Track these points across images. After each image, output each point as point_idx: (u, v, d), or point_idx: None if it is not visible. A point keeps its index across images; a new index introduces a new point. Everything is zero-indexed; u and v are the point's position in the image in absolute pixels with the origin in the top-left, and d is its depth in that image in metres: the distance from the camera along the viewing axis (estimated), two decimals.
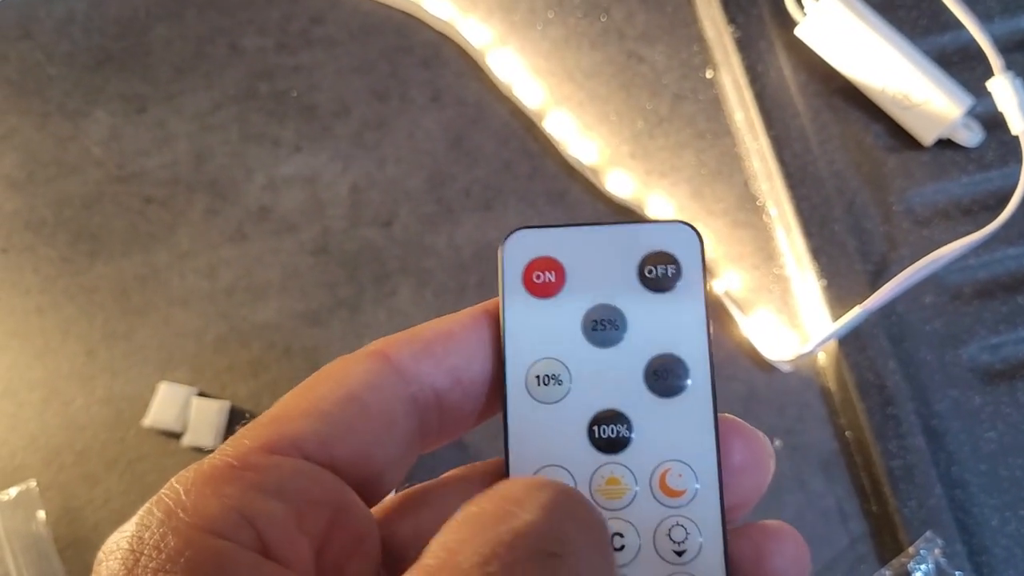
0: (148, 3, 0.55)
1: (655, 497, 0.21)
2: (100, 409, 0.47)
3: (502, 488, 0.17)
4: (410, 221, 0.50)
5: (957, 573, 0.42)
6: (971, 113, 0.49)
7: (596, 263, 0.22)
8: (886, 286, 0.46)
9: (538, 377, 0.21)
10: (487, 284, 0.48)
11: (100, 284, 0.49)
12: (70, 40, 0.54)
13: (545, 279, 0.22)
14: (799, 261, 0.49)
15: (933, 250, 0.46)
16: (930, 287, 0.47)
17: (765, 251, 0.50)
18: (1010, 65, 0.48)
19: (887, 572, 0.42)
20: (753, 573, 0.21)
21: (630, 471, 0.21)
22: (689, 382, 0.21)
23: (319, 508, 0.18)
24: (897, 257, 0.48)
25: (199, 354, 0.48)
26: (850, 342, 0.46)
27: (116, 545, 0.16)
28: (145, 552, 0.16)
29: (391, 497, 0.21)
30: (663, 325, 0.22)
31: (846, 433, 0.46)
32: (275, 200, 0.51)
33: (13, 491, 0.44)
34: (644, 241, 0.22)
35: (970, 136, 0.49)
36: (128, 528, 0.16)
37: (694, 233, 0.22)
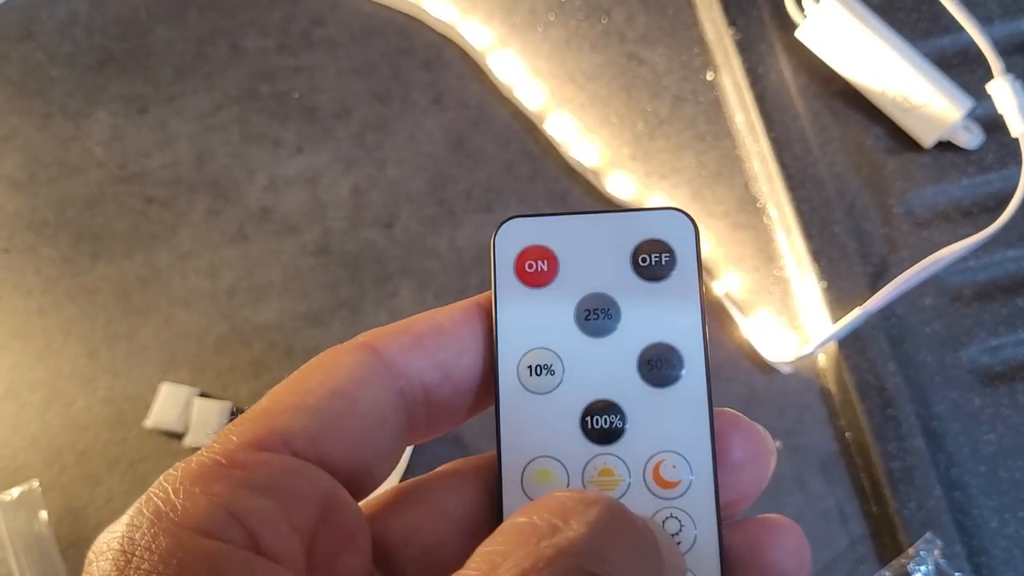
0: (149, 4, 0.55)
1: (648, 488, 0.21)
2: (102, 410, 0.47)
3: (552, 500, 0.17)
4: (411, 223, 0.50)
5: (957, 574, 0.42)
6: (971, 115, 0.49)
7: (589, 252, 0.22)
8: (886, 288, 0.46)
9: (530, 367, 0.21)
10: (488, 286, 0.49)
11: (102, 285, 0.49)
12: (72, 41, 0.54)
13: (537, 268, 0.22)
14: (799, 263, 0.49)
15: (933, 252, 0.46)
16: (930, 289, 0.47)
17: (765, 253, 0.50)
18: (1010, 68, 0.48)
19: (887, 573, 0.43)
20: (751, 566, 0.20)
21: (623, 462, 0.21)
22: (683, 372, 0.21)
23: (308, 504, 0.18)
24: (897, 259, 0.48)
25: (201, 355, 0.48)
26: (850, 344, 0.46)
27: (107, 545, 0.16)
28: (137, 553, 0.16)
29: (382, 491, 0.21)
30: (657, 314, 0.21)
31: (846, 434, 0.46)
32: (276, 201, 0.51)
33: (15, 491, 0.44)
34: (638, 229, 0.22)
35: (970, 138, 0.50)
36: (118, 528, 0.16)
37: (688, 220, 0.22)
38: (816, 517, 0.45)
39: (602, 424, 0.21)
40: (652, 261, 0.21)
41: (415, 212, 0.50)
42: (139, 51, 0.54)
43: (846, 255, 0.48)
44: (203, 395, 0.46)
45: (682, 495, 0.20)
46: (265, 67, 0.53)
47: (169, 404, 0.46)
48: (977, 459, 0.45)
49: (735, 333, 0.48)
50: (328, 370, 0.20)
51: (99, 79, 0.53)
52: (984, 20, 0.50)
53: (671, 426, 0.21)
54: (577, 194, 0.51)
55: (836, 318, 0.47)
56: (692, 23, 0.54)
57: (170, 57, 0.54)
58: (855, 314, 0.46)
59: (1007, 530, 0.44)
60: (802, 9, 0.51)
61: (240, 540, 0.16)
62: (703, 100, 0.52)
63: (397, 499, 0.21)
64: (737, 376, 0.47)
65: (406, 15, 0.54)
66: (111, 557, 0.16)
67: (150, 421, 0.46)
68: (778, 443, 0.46)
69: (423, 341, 0.21)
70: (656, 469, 0.21)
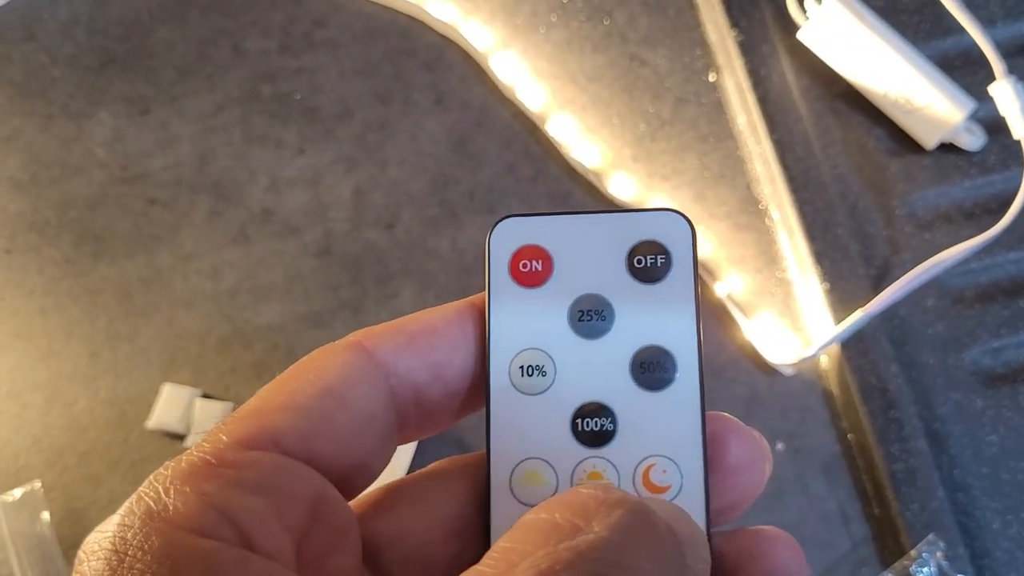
0: (151, 5, 0.55)
1: (638, 492, 0.20)
2: (104, 410, 0.47)
3: (575, 497, 0.17)
4: (413, 224, 0.50)
5: None
6: (973, 117, 0.49)
7: (584, 252, 0.22)
8: (888, 290, 0.46)
9: (522, 367, 0.21)
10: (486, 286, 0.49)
11: (104, 285, 0.49)
12: (74, 42, 0.54)
13: (532, 268, 0.22)
14: (801, 264, 0.49)
15: (935, 254, 0.46)
16: (932, 291, 0.47)
17: (767, 254, 0.50)
18: (1012, 69, 0.48)
19: (889, 575, 0.42)
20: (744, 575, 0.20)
21: (613, 465, 0.21)
22: (676, 376, 0.21)
23: (298, 502, 0.18)
24: (899, 261, 0.48)
25: (202, 355, 0.48)
26: (852, 345, 0.46)
27: (98, 545, 0.16)
28: (129, 552, 0.16)
29: (372, 490, 0.21)
30: (651, 316, 0.21)
31: (848, 436, 0.46)
32: (278, 202, 0.51)
33: (17, 492, 0.44)
34: (634, 230, 0.22)
35: (972, 140, 0.49)
36: (109, 528, 0.16)
37: (685, 222, 0.22)
38: (818, 519, 0.45)
39: (593, 427, 0.21)
40: (647, 263, 0.21)
41: (417, 213, 0.50)
42: (141, 52, 0.54)
43: (848, 257, 0.48)
44: (205, 396, 0.46)
45: (672, 500, 0.20)
46: (267, 68, 0.53)
47: (171, 405, 0.46)
48: (979, 461, 0.45)
49: (737, 335, 0.48)
50: (318, 369, 0.20)
51: (101, 80, 0.53)
52: (986, 22, 0.50)
53: (662, 430, 0.21)
54: (579, 195, 0.51)
55: (838, 320, 0.47)
56: (694, 25, 0.54)
57: (172, 58, 0.54)
58: (857, 316, 0.45)
59: (1009, 532, 0.44)
60: (804, 11, 0.51)
61: (232, 539, 0.16)
62: (705, 101, 0.52)
63: (385, 499, 0.21)
64: (739, 378, 0.47)
65: (408, 16, 0.54)
66: (103, 556, 0.16)
67: (152, 422, 0.46)
68: (780, 445, 0.46)
69: (415, 341, 0.21)
70: (646, 473, 0.21)
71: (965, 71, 0.50)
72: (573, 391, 0.21)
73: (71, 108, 0.53)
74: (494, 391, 0.21)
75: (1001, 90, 0.48)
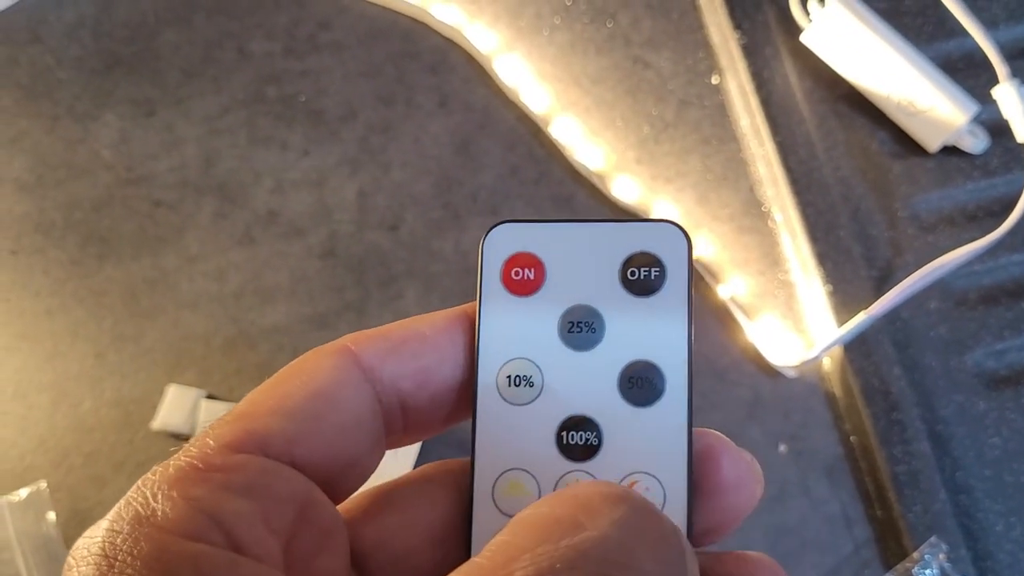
0: (157, 7, 0.55)
1: None
2: (109, 411, 0.47)
3: (579, 491, 0.16)
4: (417, 225, 0.50)
5: None
6: (976, 120, 0.49)
7: (578, 262, 0.21)
8: (891, 292, 0.46)
9: (509, 377, 0.21)
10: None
11: (109, 287, 0.49)
12: (79, 44, 0.54)
13: (524, 276, 0.21)
14: (804, 267, 0.49)
15: (938, 256, 0.46)
16: (935, 293, 0.47)
17: (770, 257, 0.50)
18: (1015, 72, 0.48)
19: None
20: None
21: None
22: (664, 392, 0.20)
23: (285, 505, 0.18)
24: (902, 263, 0.48)
25: (207, 357, 0.48)
26: (855, 348, 0.46)
27: (87, 551, 0.16)
28: (119, 557, 0.16)
29: (358, 495, 0.21)
30: (642, 331, 0.21)
31: (851, 438, 0.46)
32: (283, 204, 0.51)
33: (23, 492, 0.44)
34: (629, 241, 0.21)
35: (975, 143, 0.50)
36: (97, 533, 0.16)
37: (682, 235, 0.21)
38: (820, 521, 0.45)
39: (577, 440, 0.20)
40: (641, 275, 0.21)
41: (420, 215, 0.51)
42: (147, 54, 0.54)
43: (851, 259, 0.48)
44: (210, 397, 0.47)
45: None
46: (272, 70, 0.53)
47: (176, 406, 0.46)
48: (982, 463, 0.45)
49: (740, 337, 0.48)
50: (307, 373, 0.20)
51: (107, 82, 0.53)
52: (989, 25, 0.50)
53: (647, 447, 0.20)
54: (582, 197, 0.51)
55: (841, 322, 0.47)
56: (697, 27, 0.54)
57: (177, 60, 0.54)
58: (860, 318, 0.46)
59: (1012, 534, 0.44)
60: (807, 13, 0.51)
61: (220, 542, 0.16)
62: (708, 104, 0.53)
63: (371, 505, 0.21)
64: (742, 380, 0.47)
65: (412, 19, 0.54)
66: (93, 562, 0.16)
67: (157, 423, 0.46)
68: (783, 447, 0.46)
69: (402, 348, 0.21)
70: None
71: (968, 74, 0.50)
72: (559, 403, 0.21)
73: (77, 110, 0.53)
74: (481, 400, 0.21)
75: (1004, 93, 0.48)
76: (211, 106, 0.53)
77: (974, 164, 0.50)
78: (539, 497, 0.20)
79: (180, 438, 0.46)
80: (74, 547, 0.16)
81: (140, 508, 0.16)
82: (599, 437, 0.20)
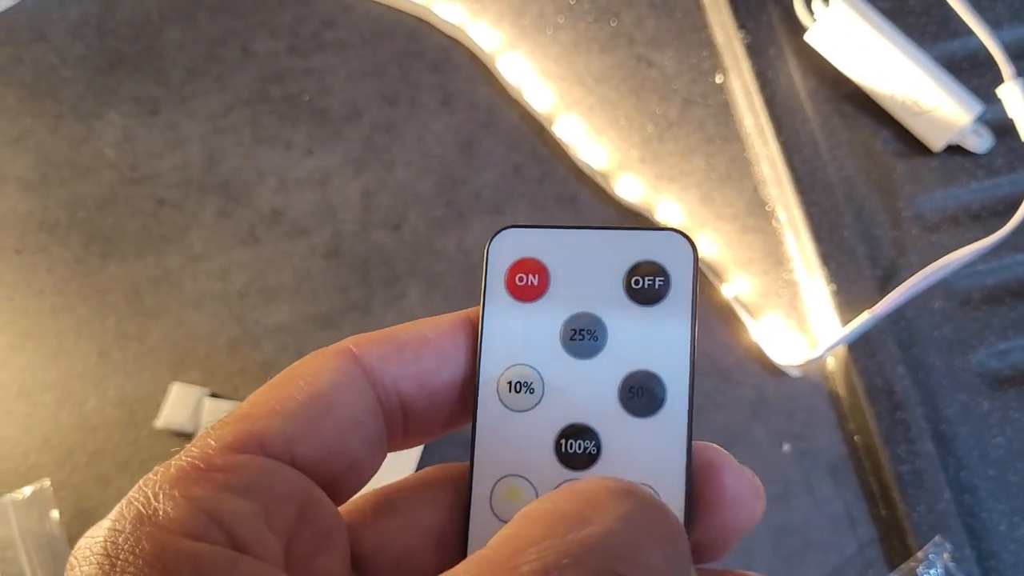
0: (161, 6, 0.55)
1: None
2: (113, 410, 0.47)
3: (585, 486, 0.16)
4: (420, 224, 0.50)
5: None
6: (980, 119, 0.49)
7: (582, 269, 0.21)
8: (895, 291, 0.46)
9: (510, 383, 0.21)
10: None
11: (113, 285, 0.49)
12: (83, 43, 0.54)
13: (528, 282, 0.21)
14: (808, 266, 0.49)
15: (942, 256, 0.46)
16: (939, 293, 0.47)
17: (774, 256, 0.50)
18: (1020, 72, 0.48)
19: None
20: None
21: None
22: (665, 402, 0.20)
23: (285, 504, 0.18)
24: (906, 263, 0.48)
25: (211, 356, 0.48)
26: (859, 347, 0.46)
27: (89, 550, 0.16)
28: (121, 556, 0.16)
29: (358, 497, 0.21)
30: (645, 340, 0.21)
31: (855, 438, 0.46)
32: (287, 203, 0.51)
33: (27, 490, 0.44)
34: (634, 249, 0.21)
35: (979, 142, 0.50)
36: (99, 533, 0.16)
37: (688, 244, 0.21)
38: (825, 521, 0.45)
39: (576, 449, 0.20)
40: (645, 284, 0.21)
41: (424, 214, 0.51)
42: (150, 53, 0.54)
43: (855, 259, 0.48)
44: (213, 396, 0.47)
45: None
46: (276, 69, 0.54)
47: (180, 404, 0.46)
48: (986, 463, 0.45)
49: (744, 336, 0.48)
50: (309, 374, 0.20)
51: (111, 81, 0.53)
52: (994, 24, 0.50)
53: (646, 457, 0.20)
54: (586, 196, 0.51)
55: (845, 321, 0.47)
56: (701, 26, 0.54)
57: (181, 59, 0.54)
58: (864, 317, 0.46)
59: (1016, 533, 0.44)
60: (811, 12, 0.51)
61: (221, 541, 0.16)
62: (712, 103, 0.52)
63: (371, 507, 0.21)
64: (746, 379, 0.47)
65: (415, 17, 0.54)
66: (95, 561, 0.16)
67: (161, 421, 0.46)
68: (787, 446, 0.46)
69: (402, 350, 0.21)
70: None
71: (972, 73, 0.50)
72: (559, 411, 0.21)
73: (81, 108, 0.53)
74: (481, 405, 0.21)
75: (1009, 92, 0.48)
76: (215, 105, 0.53)
77: (978, 163, 0.50)
78: None
79: (184, 437, 0.46)
80: (76, 546, 0.17)
81: (142, 508, 0.17)
82: (598, 446, 0.20)
